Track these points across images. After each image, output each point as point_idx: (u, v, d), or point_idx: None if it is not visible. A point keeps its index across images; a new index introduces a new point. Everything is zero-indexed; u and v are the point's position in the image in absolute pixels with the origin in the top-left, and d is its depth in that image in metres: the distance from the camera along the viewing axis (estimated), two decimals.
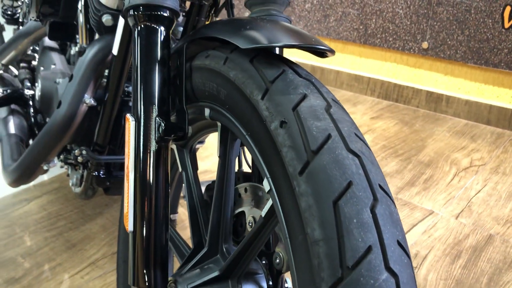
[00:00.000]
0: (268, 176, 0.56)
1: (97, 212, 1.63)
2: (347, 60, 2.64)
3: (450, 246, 1.48)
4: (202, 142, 0.91)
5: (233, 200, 0.79)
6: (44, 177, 1.81)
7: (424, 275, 1.37)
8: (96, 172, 1.20)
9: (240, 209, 0.80)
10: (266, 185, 0.57)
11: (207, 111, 0.73)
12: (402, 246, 0.48)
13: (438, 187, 1.78)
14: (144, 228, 0.71)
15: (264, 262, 0.79)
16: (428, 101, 2.41)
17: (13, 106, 1.43)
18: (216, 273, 0.72)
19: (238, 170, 0.88)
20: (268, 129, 0.54)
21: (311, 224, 0.47)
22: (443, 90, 2.37)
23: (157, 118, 0.71)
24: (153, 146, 0.71)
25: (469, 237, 1.52)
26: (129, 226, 0.72)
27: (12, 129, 1.35)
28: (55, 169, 1.86)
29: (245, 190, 0.81)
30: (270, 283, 0.77)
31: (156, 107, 0.71)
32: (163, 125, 0.71)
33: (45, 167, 1.09)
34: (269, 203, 0.62)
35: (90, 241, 1.49)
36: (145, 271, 0.71)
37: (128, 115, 0.72)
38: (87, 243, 1.48)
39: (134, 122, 0.71)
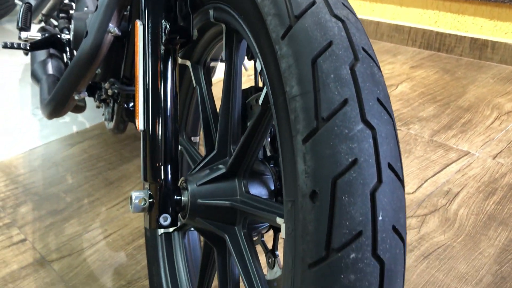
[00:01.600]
0: (258, 53, 0.57)
1: (134, 154, 1.70)
2: (387, 10, 2.56)
3: (484, 184, 1.44)
4: (216, 60, 0.93)
5: (245, 112, 0.81)
6: (85, 125, 1.90)
7: (454, 210, 1.34)
8: (125, 104, 1.25)
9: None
10: (258, 66, 0.59)
11: (211, 12, 0.75)
12: (383, 104, 0.48)
13: (476, 130, 1.72)
14: (154, 126, 0.74)
15: (272, 166, 0.80)
16: (472, 48, 2.30)
17: (51, 50, 1.51)
18: (223, 171, 0.75)
19: (250, 86, 0.89)
20: (256, 3, 0.55)
21: (289, 82, 0.48)
22: (489, 36, 2.26)
23: (163, 21, 0.73)
24: (161, 48, 0.74)
25: (506, 176, 1.47)
26: (140, 125, 0.75)
27: (50, 70, 1.42)
28: (97, 117, 1.94)
29: (256, 101, 0.82)
30: (278, 186, 0.79)
31: (163, 11, 0.74)
32: (168, 27, 0.73)
33: (76, 97, 1.15)
34: (265, 90, 0.63)
35: (127, 179, 1.56)
36: (155, 166, 0.74)
37: (137, 20, 0.75)
38: (123, 181, 1.55)
39: (142, 26, 0.74)
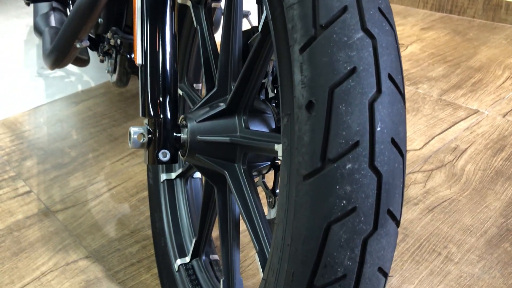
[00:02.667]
0: None
1: (138, 112, 1.69)
2: None
3: (493, 141, 1.42)
4: (217, 0, 0.91)
5: (246, 53, 0.79)
6: (91, 84, 1.89)
7: (461, 166, 1.32)
8: (128, 55, 1.23)
9: None
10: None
11: None
12: (384, 14, 0.46)
13: (486, 89, 1.69)
14: (153, 60, 0.73)
15: (273, 105, 0.79)
16: (485, 9, 2.24)
17: (54, 4, 1.49)
18: (223, 107, 0.73)
19: (253, 26, 0.87)
20: None
21: None
22: None
23: None
24: None
25: None
26: (138, 59, 0.74)
27: (52, 22, 1.40)
28: (102, 77, 1.93)
29: None
30: (279, 125, 0.77)
31: None
32: None
33: (77, 45, 1.13)
34: (263, 17, 0.61)
35: None
36: (154, 101, 0.73)
37: None
38: (128, 137, 1.55)
39: None
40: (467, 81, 1.75)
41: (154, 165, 0.79)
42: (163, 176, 1.03)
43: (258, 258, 0.64)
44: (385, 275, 0.48)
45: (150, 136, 0.73)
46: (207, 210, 0.87)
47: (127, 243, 1.15)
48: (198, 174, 1.06)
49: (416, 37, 2.14)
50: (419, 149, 1.40)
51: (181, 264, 0.92)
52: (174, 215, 1.00)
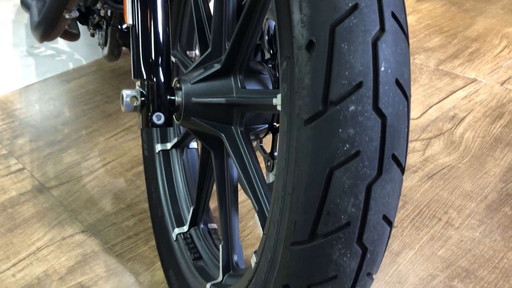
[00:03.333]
0: None
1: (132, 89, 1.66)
2: None
3: (491, 108, 1.40)
4: None
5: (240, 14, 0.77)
6: (82, 62, 1.86)
7: (460, 134, 1.31)
8: (119, 25, 1.20)
9: None
10: None
11: None
12: None
13: (484, 59, 1.67)
14: (144, 19, 0.70)
15: (270, 66, 0.77)
16: None
17: None
18: (218, 67, 0.71)
19: None
20: None
21: None
22: None
23: None
24: None
25: None
26: (129, 18, 0.71)
27: None
28: (93, 54, 1.90)
29: None
30: (276, 86, 0.75)
31: None
32: None
33: (66, 16, 1.10)
34: None
35: None
36: (147, 62, 0.71)
37: None
38: (121, 113, 1.52)
39: None
40: (464, 51, 1.73)
41: (148, 128, 0.76)
42: (158, 147, 1.01)
43: (257, 217, 0.63)
44: (390, 224, 0.46)
45: (143, 98, 0.71)
46: (204, 177, 0.86)
47: (123, 216, 1.13)
48: (194, 144, 1.04)
49: (411, 8, 2.11)
50: (417, 118, 1.39)
51: (179, 234, 0.91)
52: (170, 185, 0.99)
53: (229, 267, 0.75)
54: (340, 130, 0.41)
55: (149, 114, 0.71)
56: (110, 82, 1.71)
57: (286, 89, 0.45)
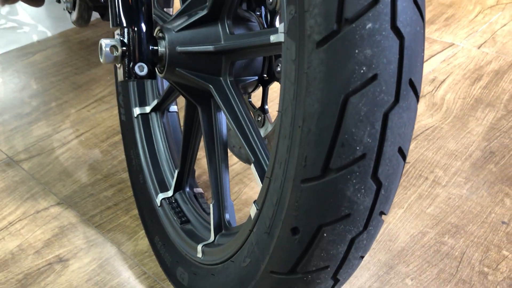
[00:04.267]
0: None
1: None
2: None
3: (470, 71, 1.40)
4: None
5: None
6: (47, 34, 1.76)
7: (441, 96, 1.30)
8: None
9: None
10: None
11: None
12: None
13: (460, 24, 1.66)
14: None
15: (258, 14, 0.72)
16: None
17: None
18: (204, 13, 0.66)
19: None
20: None
21: None
22: None
23: None
24: None
25: (491, 63, 1.43)
26: None
27: None
28: (59, 27, 1.80)
29: None
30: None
31: None
32: None
33: None
34: None
35: (96, 82, 1.46)
36: (127, 8, 0.65)
37: None
38: (93, 84, 1.45)
39: None
40: (440, 16, 1.72)
41: (130, 80, 0.71)
42: (137, 111, 0.96)
43: (254, 168, 0.59)
44: (404, 158, 0.44)
45: (124, 48, 0.66)
46: (190, 137, 0.81)
47: (101, 187, 1.08)
48: (174, 108, 0.99)
49: None
50: None
51: (163, 198, 0.86)
52: (151, 150, 0.94)
53: (221, 226, 0.71)
54: (357, 51, 0.38)
55: (131, 64, 0.66)
56: (78, 53, 1.63)
57: (294, 11, 0.41)
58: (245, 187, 1.06)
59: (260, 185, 0.57)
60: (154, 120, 0.96)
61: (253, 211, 0.54)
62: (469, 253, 0.89)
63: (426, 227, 0.94)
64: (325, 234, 0.44)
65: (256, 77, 0.72)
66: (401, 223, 0.95)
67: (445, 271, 0.86)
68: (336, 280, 0.49)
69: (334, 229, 0.44)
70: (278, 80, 0.70)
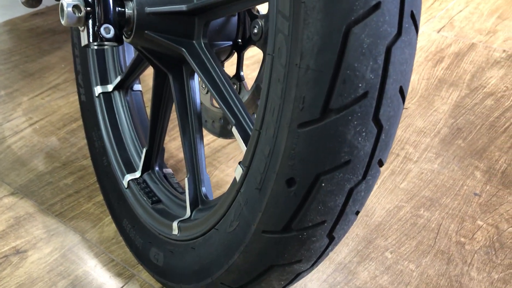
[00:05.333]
0: None
1: (55, 47, 1.50)
2: None
3: (432, 53, 1.42)
4: None
5: None
6: None
7: None
8: None
9: None
10: None
11: None
12: None
13: None
14: None
15: None
16: None
17: None
18: None
19: None
20: None
21: None
22: None
23: None
24: None
25: (451, 46, 1.45)
26: None
27: None
28: (5, 14, 1.69)
29: None
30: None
31: None
32: None
33: None
34: None
35: (49, 70, 1.38)
36: None
37: None
38: (45, 72, 1.37)
39: None
40: None
41: (95, 45, 0.65)
42: (98, 89, 0.90)
43: (236, 131, 0.56)
44: (404, 99, 0.41)
45: (88, 8, 0.61)
46: (159, 112, 0.76)
47: (60, 175, 1.01)
48: (138, 86, 0.93)
49: None
50: None
51: (131, 180, 0.81)
52: (115, 130, 0.88)
53: (197, 201, 0.67)
54: None
55: (96, 26, 0.61)
56: (28, 41, 1.53)
57: None
58: (215, 170, 1.02)
59: (244, 147, 0.54)
60: (117, 99, 0.90)
61: (238, 172, 0.50)
62: (445, 225, 0.88)
63: (401, 201, 0.93)
64: (323, 184, 0.41)
65: (231, 42, 0.69)
66: (376, 198, 0.94)
67: (423, 243, 0.85)
68: (331, 238, 0.46)
69: (333, 178, 0.41)
70: (255, 44, 0.66)
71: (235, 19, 0.67)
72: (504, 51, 1.46)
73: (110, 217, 0.89)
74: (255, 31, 0.64)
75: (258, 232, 0.46)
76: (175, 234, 0.66)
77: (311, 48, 0.37)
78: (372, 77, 0.37)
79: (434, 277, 0.79)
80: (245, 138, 0.54)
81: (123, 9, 0.63)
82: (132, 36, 0.64)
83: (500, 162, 1.02)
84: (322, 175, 0.40)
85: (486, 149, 1.06)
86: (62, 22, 0.61)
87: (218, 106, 0.71)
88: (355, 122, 0.38)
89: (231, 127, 0.56)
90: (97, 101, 0.90)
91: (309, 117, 0.38)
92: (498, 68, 1.37)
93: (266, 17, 0.63)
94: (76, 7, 0.61)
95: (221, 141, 1.09)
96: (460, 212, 0.91)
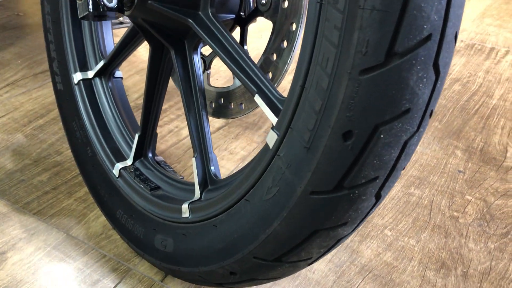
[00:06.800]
0: None
1: (7, 43, 1.40)
2: None
3: None
4: None
5: None
6: None
7: None
8: None
9: None
10: None
11: None
12: None
13: None
14: None
15: None
16: None
17: None
18: None
19: None
20: None
21: None
22: None
23: None
24: None
25: None
26: None
27: None
28: None
29: None
30: None
31: None
32: None
33: None
34: None
35: (4, 66, 1.28)
36: None
37: None
38: (2, 68, 1.27)
39: None
40: None
41: (97, 14, 0.60)
42: (78, 76, 0.84)
43: (260, 99, 0.53)
44: (454, 44, 0.41)
45: None
46: (153, 93, 0.72)
47: (32, 172, 0.93)
48: (119, 73, 0.88)
49: None
50: None
51: (122, 168, 0.76)
52: (99, 118, 0.82)
53: (207, 181, 0.63)
54: None
55: None
56: None
57: None
58: None
59: (271, 114, 0.51)
60: (99, 85, 0.85)
61: (271, 138, 0.48)
62: (436, 201, 0.90)
63: None
64: (381, 136, 0.39)
65: (233, 16, 0.66)
66: None
67: (419, 219, 0.86)
68: (378, 198, 0.45)
69: (392, 128, 0.39)
70: (262, 15, 0.64)
71: None
72: (462, 41, 1.53)
73: (95, 212, 0.84)
74: (263, 1, 0.62)
75: (305, 194, 0.43)
76: (185, 217, 0.62)
77: None
78: (436, 19, 0.37)
79: (435, 250, 0.80)
80: (269, 104, 0.52)
81: None
82: (134, 7, 0.60)
83: (476, 141, 1.06)
84: (381, 126, 0.39)
85: (462, 129, 1.10)
86: None
87: (236, 78, 0.68)
88: (418, 67, 0.37)
89: (254, 96, 0.54)
90: (76, 88, 0.84)
91: (373, 62, 0.37)
92: (459, 56, 1.43)
93: None
94: None
95: None
96: (448, 188, 0.93)
